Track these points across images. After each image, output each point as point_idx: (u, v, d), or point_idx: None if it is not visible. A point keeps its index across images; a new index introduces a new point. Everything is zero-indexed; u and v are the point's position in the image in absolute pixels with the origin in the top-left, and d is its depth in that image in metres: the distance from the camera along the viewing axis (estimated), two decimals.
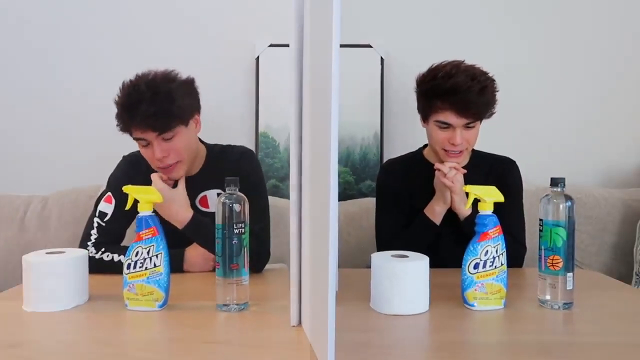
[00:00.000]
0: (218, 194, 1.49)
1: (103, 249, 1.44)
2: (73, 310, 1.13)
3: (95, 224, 1.49)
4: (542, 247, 1.15)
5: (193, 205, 1.47)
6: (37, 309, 1.12)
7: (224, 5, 2.20)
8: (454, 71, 1.45)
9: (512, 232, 1.44)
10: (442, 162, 1.55)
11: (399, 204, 1.59)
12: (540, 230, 1.15)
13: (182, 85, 1.46)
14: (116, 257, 1.42)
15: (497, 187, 1.18)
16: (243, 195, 1.13)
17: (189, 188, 1.47)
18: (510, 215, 1.46)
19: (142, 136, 1.41)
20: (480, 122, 1.52)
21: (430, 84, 1.48)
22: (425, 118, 1.55)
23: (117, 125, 1.43)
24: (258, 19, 2.19)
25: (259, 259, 1.45)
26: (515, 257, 1.50)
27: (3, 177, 2.23)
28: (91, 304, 1.17)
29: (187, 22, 2.20)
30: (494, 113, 1.53)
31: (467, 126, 1.48)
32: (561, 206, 1.13)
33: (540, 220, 1.15)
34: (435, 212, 1.52)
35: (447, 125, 1.48)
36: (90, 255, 1.41)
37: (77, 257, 1.18)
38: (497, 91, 1.50)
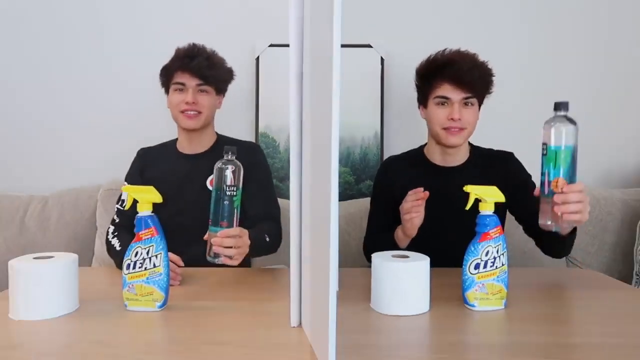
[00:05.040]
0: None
1: (116, 233, 1.53)
2: (64, 318, 1.08)
3: (116, 209, 1.60)
4: (546, 171, 1.15)
5: (203, 185, 1.57)
6: (24, 317, 1.06)
7: (223, 5, 2.20)
8: (450, 51, 1.54)
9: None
10: (443, 156, 1.56)
11: (391, 204, 1.54)
12: (544, 155, 1.14)
13: (226, 66, 1.71)
14: (117, 245, 1.48)
15: (500, 183, 1.18)
16: (239, 163, 1.22)
17: (199, 166, 1.60)
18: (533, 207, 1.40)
19: (182, 80, 1.58)
20: (480, 104, 1.54)
21: (427, 65, 1.55)
22: (424, 102, 1.56)
23: (160, 75, 1.66)
24: (258, 19, 2.19)
25: (278, 240, 1.54)
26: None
27: (3, 177, 2.23)
28: (83, 310, 1.12)
29: (186, 21, 2.20)
30: (491, 92, 1.55)
31: (465, 102, 1.50)
32: (565, 130, 1.13)
33: (544, 144, 1.15)
34: (399, 236, 1.46)
35: (445, 100, 1.50)
36: (107, 236, 1.54)
37: (66, 262, 1.09)
38: (493, 75, 1.53)
